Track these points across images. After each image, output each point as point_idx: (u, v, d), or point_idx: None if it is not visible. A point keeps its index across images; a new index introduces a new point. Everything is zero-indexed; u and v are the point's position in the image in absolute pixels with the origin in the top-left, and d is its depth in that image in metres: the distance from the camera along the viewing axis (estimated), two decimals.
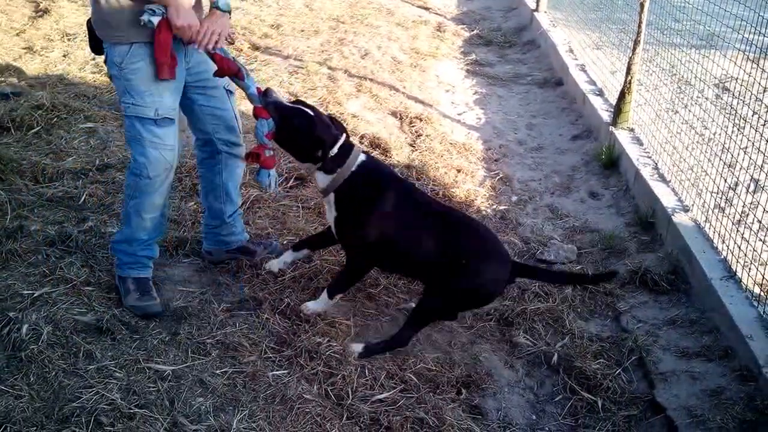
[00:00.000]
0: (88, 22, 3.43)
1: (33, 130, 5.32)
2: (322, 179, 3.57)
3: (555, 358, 3.85)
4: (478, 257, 3.58)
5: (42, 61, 6.92)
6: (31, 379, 3.09)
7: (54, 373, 3.13)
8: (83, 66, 6.75)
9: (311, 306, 3.74)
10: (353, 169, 3.53)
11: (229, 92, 3.80)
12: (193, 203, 4.66)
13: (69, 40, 7.38)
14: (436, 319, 3.83)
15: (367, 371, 3.50)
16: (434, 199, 4.14)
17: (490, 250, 3.68)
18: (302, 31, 8.29)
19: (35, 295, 3.55)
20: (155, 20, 3.22)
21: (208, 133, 3.81)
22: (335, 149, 3.50)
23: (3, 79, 6.25)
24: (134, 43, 3.31)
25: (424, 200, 3.76)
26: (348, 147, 3.56)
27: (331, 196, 3.56)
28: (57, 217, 4.33)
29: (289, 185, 4.97)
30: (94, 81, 6.50)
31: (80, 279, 3.76)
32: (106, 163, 5.00)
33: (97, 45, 3.45)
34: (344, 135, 3.59)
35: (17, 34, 7.46)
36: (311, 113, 3.50)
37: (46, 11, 7.98)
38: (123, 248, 3.69)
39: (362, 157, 3.59)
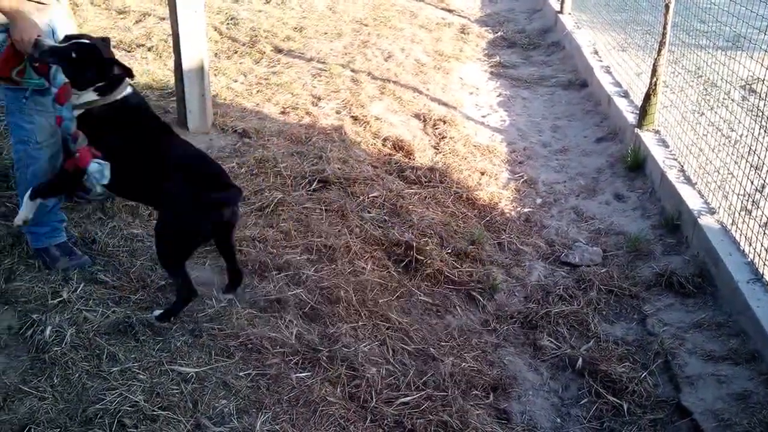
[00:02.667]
0: None
1: None
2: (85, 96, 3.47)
3: (580, 361, 3.83)
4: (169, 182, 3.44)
5: None
6: (55, 380, 3.10)
7: (77, 374, 3.14)
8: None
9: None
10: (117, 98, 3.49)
11: None
12: None
13: None
14: (174, 251, 3.51)
15: (391, 373, 3.49)
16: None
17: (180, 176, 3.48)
18: (325, 33, 8.29)
19: (58, 297, 3.57)
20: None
21: None
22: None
23: None
24: None
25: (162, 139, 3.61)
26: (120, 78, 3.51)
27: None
28: (80, 217, 4.35)
29: (312, 188, 4.97)
30: None
31: (103, 280, 3.78)
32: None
33: None
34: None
35: None
36: (89, 41, 3.46)
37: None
38: (34, 224, 3.70)
39: (129, 90, 3.54)
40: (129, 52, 6.92)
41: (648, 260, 4.67)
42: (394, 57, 7.73)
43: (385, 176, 5.31)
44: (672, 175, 5.12)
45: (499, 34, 9.12)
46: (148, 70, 6.52)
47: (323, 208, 4.79)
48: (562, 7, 9.06)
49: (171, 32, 5.37)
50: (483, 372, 3.71)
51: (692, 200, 4.81)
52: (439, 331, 3.97)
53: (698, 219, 4.61)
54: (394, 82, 7.07)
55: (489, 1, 10.50)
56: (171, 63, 5.84)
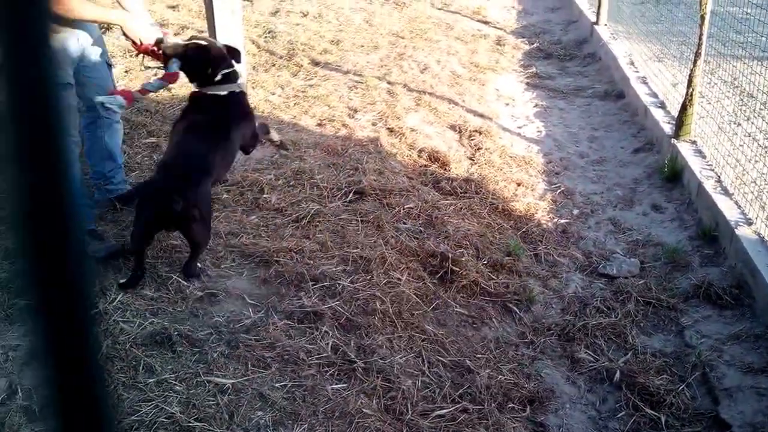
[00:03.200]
0: None
1: None
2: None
3: (617, 374, 3.80)
4: None
5: None
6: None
7: (113, 386, 3.17)
8: (145, 82, 6.91)
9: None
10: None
11: (110, 66, 4.47)
12: (254, 217, 4.70)
13: (130, 55, 7.56)
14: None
15: (427, 385, 3.49)
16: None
17: None
18: (362, 46, 8.34)
19: (95, 308, 3.62)
20: None
21: (91, 100, 4.26)
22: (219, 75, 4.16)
23: None
24: None
25: None
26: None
27: None
28: (119, 229, 4.43)
29: (348, 199, 5.00)
30: (156, 96, 6.63)
31: (141, 292, 3.84)
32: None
33: None
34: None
35: None
36: (205, 43, 4.22)
37: (108, 27, 8.18)
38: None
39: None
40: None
41: (686, 272, 4.62)
42: (429, 69, 7.75)
43: (420, 187, 5.32)
44: (709, 186, 5.07)
45: (535, 45, 9.10)
46: (186, 83, 6.60)
47: (359, 219, 4.81)
48: (597, 19, 9.02)
49: None
50: (519, 385, 3.69)
51: (729, 211, 4.76)
52: (475, 343, 3.96)
53: (735, 230, 4.56)
54: (430, 94, 7.09)
55: (525, 13, 10.48)
56: None
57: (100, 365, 0.71)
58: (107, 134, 4.49)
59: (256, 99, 6.53)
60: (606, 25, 8.93)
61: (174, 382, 3.24)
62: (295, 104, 6.62)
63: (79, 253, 0.67)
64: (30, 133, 0.63)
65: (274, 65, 7.52)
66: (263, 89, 6.87)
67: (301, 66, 7.52)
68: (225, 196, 4.88)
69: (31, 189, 0.64)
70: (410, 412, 3.32)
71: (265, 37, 8.33)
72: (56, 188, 0.65)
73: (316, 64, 7.67)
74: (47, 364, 0.68)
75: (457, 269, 4.39)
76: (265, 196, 4.86)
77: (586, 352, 3.96)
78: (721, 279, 4.43)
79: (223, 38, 5.22)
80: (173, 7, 9.14)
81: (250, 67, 7.21)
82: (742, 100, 6.08)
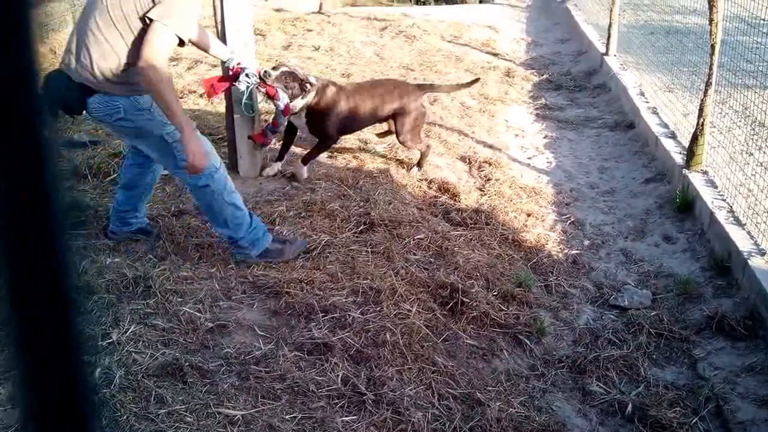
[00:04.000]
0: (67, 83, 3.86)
1: (110, 177, 5.50)
2: (299, 103, 5.47)
3: (629, 406, 3.77)
4: None
5: None
6: (104, 422, 3.15)
7: (125, 416, 3.17)
8: (183, 96, 6.96)
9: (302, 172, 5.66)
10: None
11: None
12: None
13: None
14: None
15: (437, 417, 3.47)
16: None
17: None
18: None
19: (108, 338, 3.64)
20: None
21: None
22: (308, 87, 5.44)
23: (81, 129, 6.49)
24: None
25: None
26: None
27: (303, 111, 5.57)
28: (132, 260, 4.45)
29: (359, 230, 5.01)
30: None
31: (153, 323, 3.84)
32: (182, 209, 5.13)
33: (80, 105, 3.92)
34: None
35: None
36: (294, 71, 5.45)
37: None
38: (245, 237, 4.33)
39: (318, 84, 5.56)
40: (180, 98, 7.07)
41: (698, 303, 4.60)
42: (439, 101, 7.79)
43: (430, 218, 5.33)
44: (721, 216, 5.06)
45: (544, 76, 9.15)
46: (199, 116, 6.67)
47: (369, 250, 4.81)
48: (607, 49, 9.07)
49: None
50: (531, 418, 3.66)
51: (742, 241, 4.74)
52: (485, 375, 3.94)
53: (748, 261, 4.54)
54: (440, 125, 7.12)
55: (534, 45, 10.54)
56: (222, 109, 5.98)
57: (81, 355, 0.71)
58: (154, 174, 4.62)
59: None
60: (616, 55, 8.97)
61: (185, 413, 3.24)
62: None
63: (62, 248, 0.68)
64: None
65: None
66: None
67: None
68: None
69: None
70: None
71: None
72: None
73: None
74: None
75: (467, 300, 4.38)
76: (276, 227, 4.88)
77: (597, 385, 3.93)
78: (735, 310, 4.40)
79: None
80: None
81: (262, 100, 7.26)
82: (753, 129, 6.08)
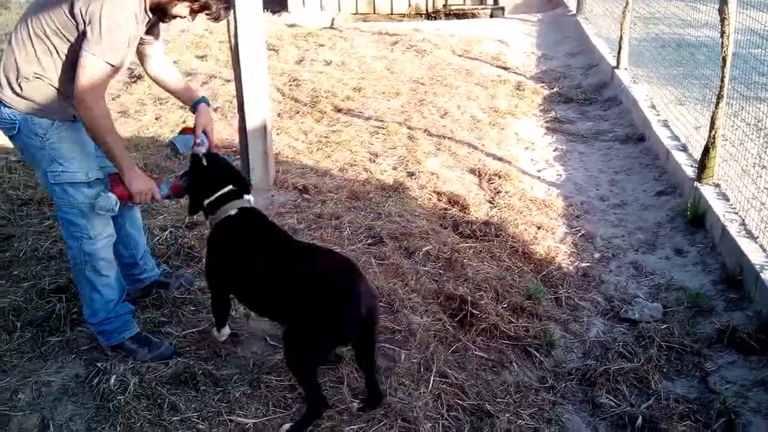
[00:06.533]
0: None
1: None
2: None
3: (639, 419, 3.76)
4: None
5: (135, 124, 7.25)
6: (118, 429, 3.18)
7: (139, 423, 3.21)
8: (174, 128, 7.03)
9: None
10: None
11: None
12: None
13: (160, 104, 7.72)
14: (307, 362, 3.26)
15: (446, 429, 3.47)
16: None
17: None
18: (383, 93, 8.45)
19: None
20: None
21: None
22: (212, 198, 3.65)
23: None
24: (57, 120, 3.44)
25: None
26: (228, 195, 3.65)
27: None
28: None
29: (369, 242, 5.03)
30: None
31: (168, 331, 3.88)
32: (195, 220, 5.16)
33: None
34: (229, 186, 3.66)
35: (113, 99, 7.87)
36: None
37: (139, 77, 8.38)
38: (103, 322, 3.68)
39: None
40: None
41: (709, 316, 4.58)
42: (449, 114, 7.82)
43: (440, 230, 5.35)
44: (733, 230, 5.05)
45: (555, 90, 9.16)
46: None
47: (379, 262, 4.83)
48: (618, 63, 9.08)
49: (236, 94, 5.55)
50: (540, 430, 3.66)
51: (754, 255, 4.73)
52: (494, 387, 3.94)
53: (761, 274, 4.52)
54: (450, 139, 7.14)
55: (545, 58, 10.56)
56: (235, 123, 6.03)
57: None
58: (128, 221, 4.03)
59: (280, 145, 6.63)
60: (626, 69, 8.98)
61: (197, 420, 3.28)
62: (318, 149, 6.71)
63: None
64: None
65: (298, 112, 7.65)
66: (287, 135, 6.98)
67: (325, 113, 7.64)
68: None
69: None
70: None
71: (290, 85, 8.49)
72: None
73: (338, 110, 7.79)
74: None
75: (477, 312, 4.39)
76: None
77: (607, 398, 3.92)
78: (746, 324, 4.38)
79: (249, 86, 5.33)
80: (201, 57, 9.35)
81: (275, 114, 7.33)
82: (766, 142, 6.07)
